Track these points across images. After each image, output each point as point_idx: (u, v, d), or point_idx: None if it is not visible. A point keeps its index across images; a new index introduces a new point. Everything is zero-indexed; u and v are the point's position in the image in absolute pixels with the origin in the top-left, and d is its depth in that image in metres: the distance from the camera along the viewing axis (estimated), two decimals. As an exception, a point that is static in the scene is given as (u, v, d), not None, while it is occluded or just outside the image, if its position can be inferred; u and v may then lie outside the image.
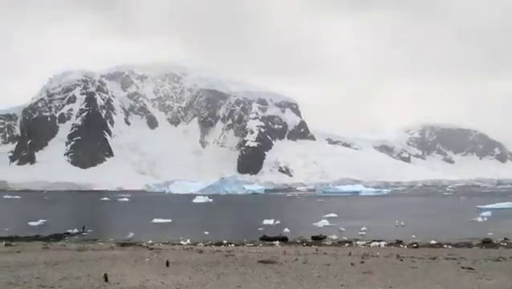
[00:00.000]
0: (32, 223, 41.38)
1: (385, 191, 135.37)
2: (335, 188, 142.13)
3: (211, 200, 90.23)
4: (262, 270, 14.75)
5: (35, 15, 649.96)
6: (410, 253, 21.66)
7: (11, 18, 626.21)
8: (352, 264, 16.50)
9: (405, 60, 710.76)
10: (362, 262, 17.17)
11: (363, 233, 34.60)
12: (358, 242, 29.08)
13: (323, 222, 41.26)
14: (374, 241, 28.88)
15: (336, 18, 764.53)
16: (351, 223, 41.56)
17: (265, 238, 30.72)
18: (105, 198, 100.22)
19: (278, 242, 29.00)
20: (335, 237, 32.46)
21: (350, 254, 20.58)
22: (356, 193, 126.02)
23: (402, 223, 40.93)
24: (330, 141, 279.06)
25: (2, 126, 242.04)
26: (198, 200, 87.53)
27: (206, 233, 34.66)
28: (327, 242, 29.67)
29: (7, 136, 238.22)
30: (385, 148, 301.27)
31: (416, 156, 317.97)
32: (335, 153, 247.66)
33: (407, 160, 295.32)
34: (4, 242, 26.39)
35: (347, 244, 28.32)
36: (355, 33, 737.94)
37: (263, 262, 16.86)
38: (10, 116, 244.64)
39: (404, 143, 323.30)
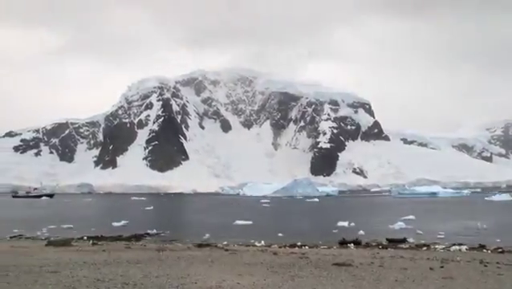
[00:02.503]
0: (115, 224, 43.50)
1: (465, 192, 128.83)
2: (411, 189, 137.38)
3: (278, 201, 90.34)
4: (337, 273, 14.59)
5: (117, 26, 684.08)
6: (495, 258, 20.44)
7: (98, 33, 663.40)
8: (431, 269, 15.90)
9: (480, 52, 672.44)
10: (442, 267, 16.47)
11: (442, 236, 33.13)
12: (437, 246, 27.85)
13: (400, 225, 40.03)
14: (454, 245, 27.54)
15: (402, 18, 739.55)
16: (429, 226, 40.00)
17: (343, 242, 30.28)
18: (181, 200, 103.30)
19: (352, 245, 28.52)
20: (412, 240, 31.33)
21: (428, 258, 19.81)
22: (434, 194, 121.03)
23: (484, 226, 38.76)
24: (405, 141, 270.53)
25: (87, 133, 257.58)
26: (266, 201, 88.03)
27: (280, 234, 34.75)
28: (403, 245, 28.72)
29: (92, 142, 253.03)
30: (464, 147, 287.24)
31: (499, 155, 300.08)
32: (411, 153, 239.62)
33: (488, 159, 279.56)
34: (91, 242, 28.06)
35: (424, 247, 27.22)
36: (426, 30, 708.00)
37: (338, 264, 16.66)
38: (93, 124, 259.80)
39: (484, 141, 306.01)
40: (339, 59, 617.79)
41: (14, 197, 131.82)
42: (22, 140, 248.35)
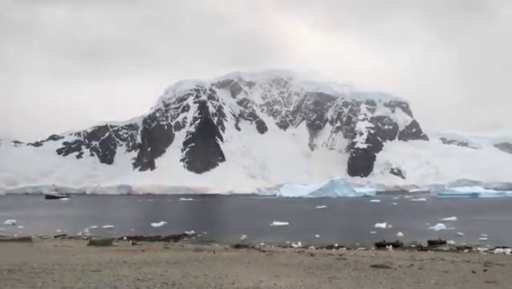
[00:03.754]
0: (154, 224, 44.25)
1: (509, 193, 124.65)
2: (451, 190, 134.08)
3: (324, 206, 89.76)
4: (376, 275, 14.39)
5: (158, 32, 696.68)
6: (541, 261, 19.75)
7: (136, 37, 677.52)
8: (474, 272, 15.46)
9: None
10: (485, 271, 15.98)
11: (485, 238, 32.11)
12: (479, 249, 27.08)
13: (440, 226, 39.11)
14: (498, 247, 26.71)
15: (441, 18, 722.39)
16: (471, 227, 38.89)
17: (380, 244, 29.81)
18: (218, 201, 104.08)
19: (391, 247, 28.06)
20: (452, 242, 30.55)
21: (470, 261, 19.29)
22: (475, 195, 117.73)
23: (530, 228, 37.49)
24: (444, 141, 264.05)
25: (125, 135, 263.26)
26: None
27: (317, 236, 34.55)
28: (443, 248, 28.05)
29: (130, 144, 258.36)
30: (507, 147, 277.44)
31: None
32: (451, 153, 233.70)
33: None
34: (131, 242, 28.67)
35: (466, 250, 26.48)
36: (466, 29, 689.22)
37: (376, 266, 16.44)
38: (132, 126, 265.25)
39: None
40: (377, 57, 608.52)
41: (47, 198, 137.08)
42: (64, 143, 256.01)
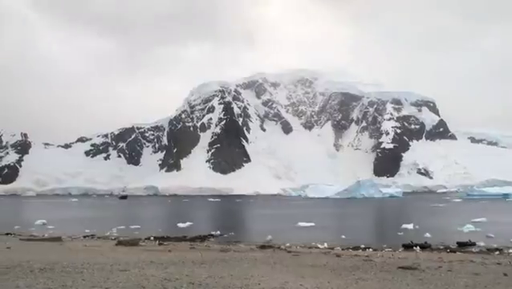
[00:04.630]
0: (180, 225, 44.66)
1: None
2: (480, 190, 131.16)
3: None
4: (403, 277, 14.20)
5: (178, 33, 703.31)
6: None
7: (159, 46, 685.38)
8: (505, 274, 15.09)
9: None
10: (517, 273, 15.63)
11: (517, 240, 31.45)
12: (510, 250, 26.50)
13: (469, 227, 38.38)
14: (530, 249, 26.12)
15: (469, 16, 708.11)
16: (501, 229, 38.03)
17: (408, 245, 29.42)
18: (244, 202, 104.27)
19: (418, 248, 27.68)
20: (482, 244, 29.95)
21: (501, 264, 18.87)
22: (506, 195, 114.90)
23: None
24: (473, 140, 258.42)
25: (152, 137, 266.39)
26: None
27: (343, 236, 34.34)
28: (473, 249, 27.52)
29: (157, 145, 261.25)
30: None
31: None
32: (480, 153, 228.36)
33: None
34: (158, 242, 29.02)
35: (497, 252, 25.92)
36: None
37: (404, 268, 16.22)
38: (158, 128, 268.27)
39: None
40: (401, 57, 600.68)
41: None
42: (92, 145, 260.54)
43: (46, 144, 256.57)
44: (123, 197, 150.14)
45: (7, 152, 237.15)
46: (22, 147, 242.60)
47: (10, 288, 9.89)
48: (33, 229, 42.63)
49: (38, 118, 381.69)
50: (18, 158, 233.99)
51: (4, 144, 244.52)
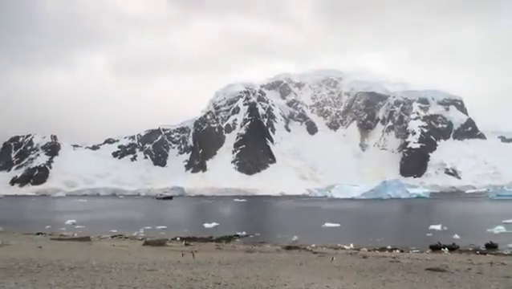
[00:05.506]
0: (207, 225, 44.95)
1: None
2: (510, 190, 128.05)
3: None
4: (431, 279, 14.00)
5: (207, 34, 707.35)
6: None
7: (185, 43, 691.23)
8: (538, 277, 14.74)
9: None
10: (550, 275, 15.20)
11: (550, 241, 30.59)
12: (544, 252, 25.81)
13: (499, 229, 37.52)
14: None
15: (496, 14, 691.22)
16: (534, 230, 37.11)
17: (435, 246, 28.93)
18: (269, 203, 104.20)
19: (446, 249, 27.20)
20: (514, 245, 29.27)
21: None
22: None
23: None
24: (503, 139, 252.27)
25: (177, 138, 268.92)
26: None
27: (369, 237, 34.02)
28: (504, 251, 26.90)
29: (182, 147, 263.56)
30: None
31: None
32: (510, 152, 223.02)
33: None
34: (184, 242, 29.28)
35: (529, 254, 25.33)
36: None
37: (432, 269, 15.99)
38: (183, 129, 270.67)
39: None
40: (428, 55, 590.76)
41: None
42: (119, 147, 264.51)
43: (75, 145, 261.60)
44: (168, 198, 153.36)
45: (38, 154, 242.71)
46: (52, 149, 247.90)
47: (42, 286, 10.15)
48: (63, 228, 43.53)
49: (68, 121, 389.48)
50: (48, 160, 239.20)
51: (35, 146, 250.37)
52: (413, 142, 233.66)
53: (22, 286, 10.08)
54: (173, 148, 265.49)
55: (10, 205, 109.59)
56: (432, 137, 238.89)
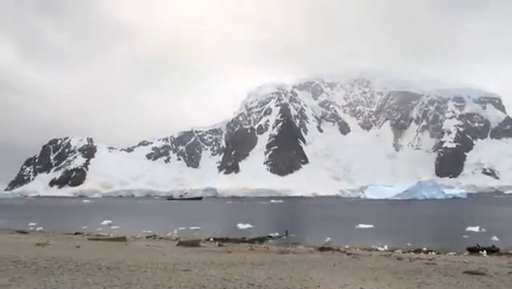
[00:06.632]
0: (240, 226, 45.11)
1: None
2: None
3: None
4: (469, 282, 13.66)
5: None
6: None
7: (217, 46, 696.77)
8: None
9: None
10: None
11: None
12: None
13: (541, 231, 36.34)
14: None
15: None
16: None
17: (473, 249, 28.23)
18: (302, 204, 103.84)
19: (485, 252, 26.49)
20: (557, 248, 28.23)
21: None
22: None
23: None
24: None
25: (210, 140, 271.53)
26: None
27: (404, 239, 33.47)
28: (547, 254, 25.99)
29: (215, 148, 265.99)
30: None
31: None
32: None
33: None
34: (217, 243, 29.49)
35: None
36: None
37: (470, 272, 15.60)
38: (216, 131, 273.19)
39: None
40: (464, 52, 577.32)
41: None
42: (153, 149, 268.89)
43: (111, 147, 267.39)
44: (199, 198, 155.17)
45: (75, 157, 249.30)
46: (89, 151, 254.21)
47: (81, 284, 10.43)
48: (99, 229, 44.49)
49: (103, 124, 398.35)
50: (85, 162, 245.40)
51: (72, 148, 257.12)
52: (449, 141, 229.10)
53: (62, 284, 10.38)
54: (206, 149, 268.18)
55: (49, 206, 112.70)
56: (468, 136, 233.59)
